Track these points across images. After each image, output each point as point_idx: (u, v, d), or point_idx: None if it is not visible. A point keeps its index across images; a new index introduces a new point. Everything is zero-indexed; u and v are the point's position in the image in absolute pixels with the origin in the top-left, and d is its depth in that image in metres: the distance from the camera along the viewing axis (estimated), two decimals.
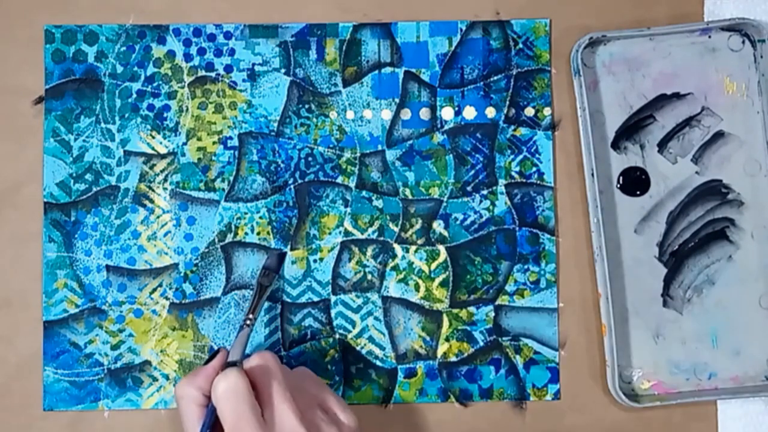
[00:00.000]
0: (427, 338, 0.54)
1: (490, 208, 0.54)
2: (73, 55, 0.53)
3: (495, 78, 0.54)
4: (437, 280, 0.54)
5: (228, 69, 0.54)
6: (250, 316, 0.47)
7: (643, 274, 0.54)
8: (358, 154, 0.54)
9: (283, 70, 0.54)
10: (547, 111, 0.54)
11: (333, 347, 0.53)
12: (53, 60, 0.53)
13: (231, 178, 0.53)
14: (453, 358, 0.53)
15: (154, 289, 0.53)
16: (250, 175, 0.54)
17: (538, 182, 0.54)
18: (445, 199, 0.54)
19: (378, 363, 0.53)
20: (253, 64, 0.54)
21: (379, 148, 0.54)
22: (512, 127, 0.54)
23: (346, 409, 0.46)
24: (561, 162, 0.54)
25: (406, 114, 0.54)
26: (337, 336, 0.53)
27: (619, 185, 0.54)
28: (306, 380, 0.47)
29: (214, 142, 0.54)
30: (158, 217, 0.53)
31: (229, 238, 0.53)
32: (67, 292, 0.53)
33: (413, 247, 0.54)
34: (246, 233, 0.53)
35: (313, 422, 0.44)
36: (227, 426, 0.42)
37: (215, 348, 0.53)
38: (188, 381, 0.45)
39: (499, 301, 0.54)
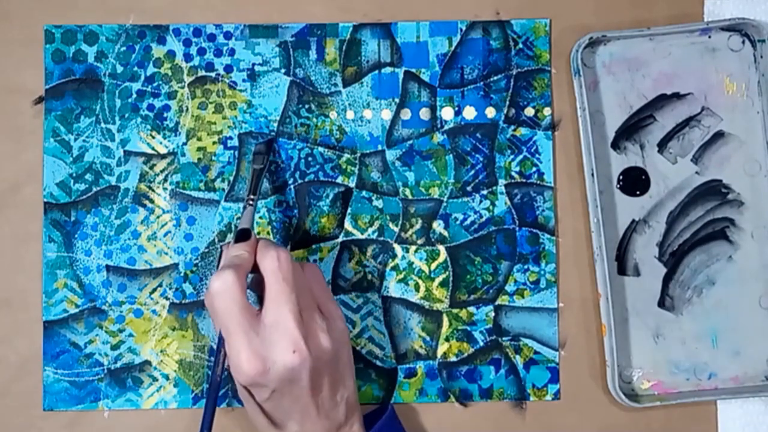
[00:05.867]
0: (427, 338, 0.54)
1: (490, 208, 0.54)
2: (73, 55, 0.53)
3: (495, 78, 0.54)
4: (437, 280, 0.54)
5: (228, 69, 0.54)
6: (251, 196, 0.49)
7: (643, 274, 0.54)
8: (358, 154, 0.54)
9: (283, 70, 0.54)
10: (547, 111, 0.54)
11: None
12: (53, 60, 0.53)
13: (231, 178, 0.53)
14: (453, 358, 0.54)
15: (154, 289, 0.53)
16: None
17: (538, 182, 0.54)
18: (445, 199, 0.54)
19: (378, 363, 0.53)
20: (253, 64, 0.54)
21: (379, 148, 0.54)
22: (512, 127, 0.54)
23: (341, 318, 0.47)
24: (561, 162, 0.54)
25: (406, 114, 0.54)
26: None
27: (619, 185, 0.54)
28: (313, 281, 0.47)
29: (214, 142, 0.54)
30: (158, 217, 0.53)
31: (229, 238, 0.53)
32: (67, 292, 0.53)
33: (413, 247, 0.54)
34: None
35: (309, 326, 0.44)
36: (216, 323, 0.43)
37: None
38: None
39: (499, 301, 0.54)
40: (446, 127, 0.54)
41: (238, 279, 0.43)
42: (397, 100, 0.54)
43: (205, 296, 0.44)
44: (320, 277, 0.48)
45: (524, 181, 0.54)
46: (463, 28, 0.54)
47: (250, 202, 0.48)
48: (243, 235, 0.45)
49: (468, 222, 0.54)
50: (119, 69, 0.54)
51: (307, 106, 0.54)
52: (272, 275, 0.44)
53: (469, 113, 0.54)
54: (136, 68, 0.54)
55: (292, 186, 0.54)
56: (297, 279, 0.44)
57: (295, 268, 0.45)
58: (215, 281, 0.43)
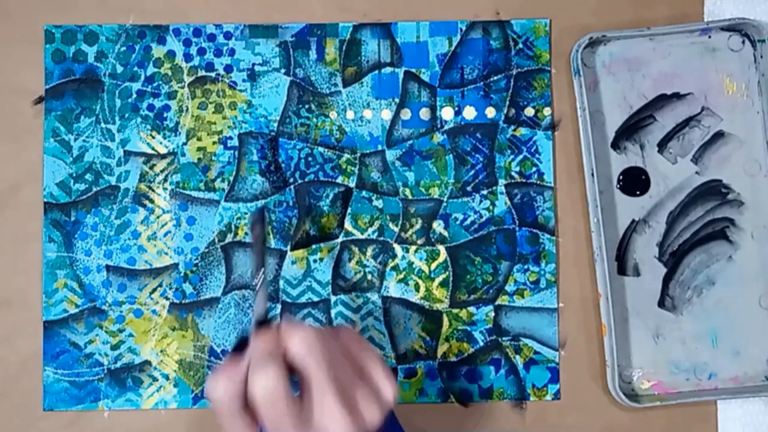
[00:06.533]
0: (427, 338, 0.54)
1: (490, 208, 0.54)
2: (73, 55, 0.53)
3: (495, 78, 0.54)
4: (437, 280, 0.54)
5: (228, 69, 0.54)
6: (260, 274, 0.45)
7: (643, 274, 0.54)
8: (358, 154, 0.54)
9: (283, 70, 0.54)
10: (547, 111, 0.54)
11: None
12: (53, 60, 0.53)
13: (231, 178, 0.53)
14: (453, 358, 0.54)
15: (154, 289, 0.53)
16: (250, 175, 0.54)
17: (538, 182, 0.54)
18: (445, 199, 0.54)
19: None
20: (253, 64, 0.54)
21: (379, 148, 0.54)
22: (512, 127, 0.54)
23: (389, 377, 0.42)
24: (561, 162, 0.54)
25: (406, 114, 0.54)
26: None
27: (619, 185, 0.54)
28: (351, 344, 0.43)
29: (214, 142, 0.54)
30: (158, 217, 0.53)
31: (229, 238, 0.53)
32: (67, 292, 0.53)
33: (413, 247, 0.54)
34: (246, 233, 0.53)
35: (355, 401, 0.40)
36: (267, 425, 0.40)
37: (215, 348, 0.53)
38: (223, 378, 0.40)
39: (499, 301, 0.54)
40: (446, 127, 0.54)
41: (281, 372, 0.39)
42: (397, 100, 0.54)
43: (214, 388, 0.40)
44: (358, 339, 0.44)
45: (524, 181, 0.54)
46: (463, 28, 0.54)
47: (259, 281, 0.45)
48: (264, 324, 0.42)
49: (468, 222, 0.54)
50: (119, 69, 0.54)
51: (307, 106, 0.54)
52: (305, 361, 0.40)
53: (469, 113, 0.54)
54: (136, 68, 0.54)
55: (292, 186, 0.54)
56: (331, 354, 0.41)
57: (326, 342, 0.41)
58: (259, 381, 0.39)
